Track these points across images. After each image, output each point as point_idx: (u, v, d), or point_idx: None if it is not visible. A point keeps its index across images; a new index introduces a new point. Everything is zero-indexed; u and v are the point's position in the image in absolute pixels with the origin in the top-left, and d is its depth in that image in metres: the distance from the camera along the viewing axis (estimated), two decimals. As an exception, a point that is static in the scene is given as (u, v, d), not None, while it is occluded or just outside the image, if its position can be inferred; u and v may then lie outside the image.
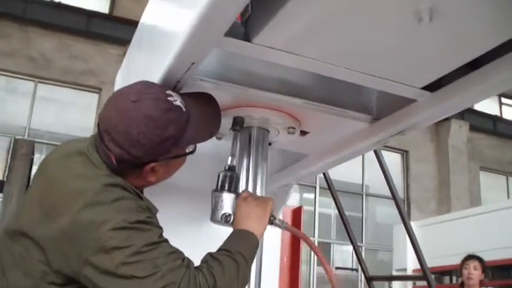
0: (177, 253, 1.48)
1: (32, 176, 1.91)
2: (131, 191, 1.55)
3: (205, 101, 1.78)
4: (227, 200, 1.93)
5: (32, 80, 11.91)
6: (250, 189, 2.11)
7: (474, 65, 1.63)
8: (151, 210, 1.58)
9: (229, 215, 1.90)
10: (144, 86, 1.61)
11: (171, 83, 1.72)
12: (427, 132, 15.86)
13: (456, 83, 1.72)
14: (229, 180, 1.98)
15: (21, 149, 5.45)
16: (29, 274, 1.47)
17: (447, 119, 15.35)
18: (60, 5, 12.27)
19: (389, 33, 1.48)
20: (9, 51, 11.56)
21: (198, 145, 1.75)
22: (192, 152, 1.73)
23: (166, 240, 1.50)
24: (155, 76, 1.72)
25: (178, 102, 1.61)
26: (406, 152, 15.64)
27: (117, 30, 11.70)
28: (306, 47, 1.58)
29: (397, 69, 1.72)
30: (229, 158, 2.05)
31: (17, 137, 5.85)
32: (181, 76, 1.67)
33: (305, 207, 13.14)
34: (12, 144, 5.54)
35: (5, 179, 5.45)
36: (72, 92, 12.20)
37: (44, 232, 1.48)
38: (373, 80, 1.75)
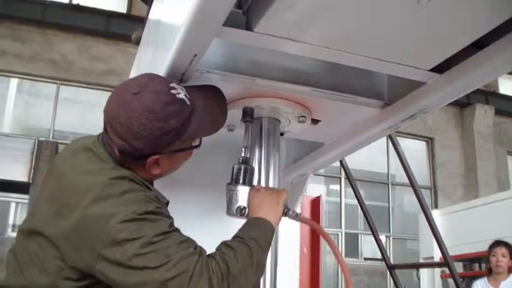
0: (188, 242, 1.48)
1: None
2: (139, 183, 1.56)
3: (212, 94, 1.78)
4: (242, 193, 1.92)
5: (54, 83, 12.04)
6: (263, 179, 2.10)
7: (482, 44, 1.60)
8: (160, 201, 1.58)
9: (244, 207, 1.89)
10: (147, 79, 1.61)
11: (176, 76, 1.72)
12: (452, 118, 15.67)
13: (464, 63, 1.68)
14: (243, 172, 1.97)
15: (45, 150, 5.53)
16: (45, 271, 1.49)
17: (471, 103, 15.15)
18: (78, 6, 12.36)
19: (389, 15, 1.46)
20: (31, 55, 11.69)
21: (212, 137, 1.74)
22: (197, 146, 1.73)
23: (177, 230, 1.50)
24: (161, 70, 1.73)
25: (182, 95, 1.60)
26: (431, 139, 15.47)
27: (135, 29, 11.75)
28: (308, 33, 1.56)
29: (403, 52, 1.69)
30: (243, 150, 2.04)
31: (41, 138, 5.91)
32: (186, 69, 1.68)
33: (331, 199, 12.98)
34: (36, 147, 5.61)
35: (30, 181, 5.55)
36: (95, 92, 12.28)
37: (56, 229, 1.50)
38: (380, 64, 1.73)
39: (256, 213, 1.78)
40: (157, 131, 1.53)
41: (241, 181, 1.96)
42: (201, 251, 1.48)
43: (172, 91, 1.59)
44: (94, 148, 1.62)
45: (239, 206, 1.90)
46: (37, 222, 1.58)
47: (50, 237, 1.50)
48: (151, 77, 1.63)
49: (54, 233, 1.50)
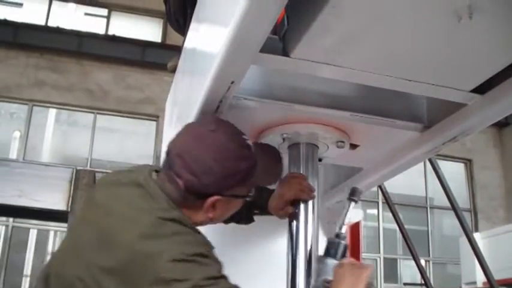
0: None
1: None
2: (188, 225, 1.53)
3: (271, 152, 1.87)
4: (329, 267, 1.87)
5: (91, 112, 12.26)
6: (302, 207, 2.06)
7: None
8: (209, 244, 1.55)
9: (330, 281, 1.83)
10: (220, 121, 1.66)
11: (213, 103, 1.72)
12: (490, 138, 15.40)
13: (506, 83, 1.64)
14: (335, 247, 1.92)
15: (83, 179, 5.61)
16: None
17: (510, 123, 14.87)
18: (114, 37, 12.62)
19: (429, 36, 1.43)
20: (68, 86, 11.97)
21: None
22: (251, 196, 1.73)
23: (224, 277, 1.47)
24: (198, 98, 1.73)
25: (250, 142, 1.65)
26: (470, 160, 15.21)
27: (170, 58, 11.92)
28: (345, 57, 1.55)
29: (442, 73, 1.66)
30: (338, 227, 2.00)
31: (79, 167, 5.99)
32: (223, 96, 1.67)
33: (369, 223, 12.82)
34: (74, 176, 5.69)
35: (69, 210, 5.61)
36: (131, 121, 12.48)
37: (102, 263, 1.46)
38: (419, 86, 1.70)
39: None
40: (228, 170, 1.55)
41: (331, 255, 1.91)
42: None
43: (244, 136, 1.64)
44: (146, 184, 1.58)
45: (325, 279, 1.85)
46: (79, 251, 1.54)
47: (95, 270, 1.46)
48: (223, 120, 1.68)
49: (100, 266, 1.46)
